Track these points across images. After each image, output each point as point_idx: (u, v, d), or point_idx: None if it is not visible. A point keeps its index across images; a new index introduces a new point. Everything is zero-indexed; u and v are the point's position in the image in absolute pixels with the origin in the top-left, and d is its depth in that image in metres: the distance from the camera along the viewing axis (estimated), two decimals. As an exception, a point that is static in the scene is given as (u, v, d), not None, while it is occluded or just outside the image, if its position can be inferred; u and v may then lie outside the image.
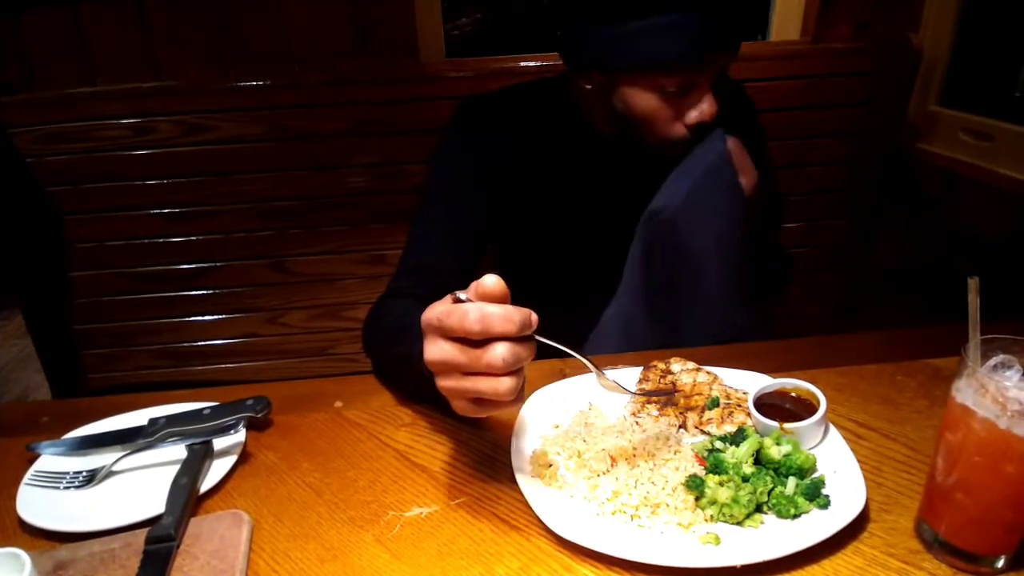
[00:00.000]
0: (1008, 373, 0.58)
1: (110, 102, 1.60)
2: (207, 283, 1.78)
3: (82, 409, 0.89)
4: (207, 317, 1.82)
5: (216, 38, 1.64)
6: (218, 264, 1.77)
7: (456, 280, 0.98)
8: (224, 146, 1.66)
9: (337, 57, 1.68)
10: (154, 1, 1.59)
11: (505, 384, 0.57)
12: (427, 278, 0.97)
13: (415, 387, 0.81)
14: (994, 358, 0.59)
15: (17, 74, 1.60)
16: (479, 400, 0.60)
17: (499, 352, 0.56)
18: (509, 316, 0.56)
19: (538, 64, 1.66)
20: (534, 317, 0.58)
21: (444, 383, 0.61)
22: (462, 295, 0.59)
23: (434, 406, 0.85)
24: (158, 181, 1.68)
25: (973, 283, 0.58)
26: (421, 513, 0.70)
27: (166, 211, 1.71)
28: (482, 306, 0.56)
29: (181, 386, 0.94)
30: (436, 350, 0.59)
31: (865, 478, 0.67)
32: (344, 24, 1.66)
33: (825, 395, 0.74)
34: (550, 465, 0.73)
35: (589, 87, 0.98)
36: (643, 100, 0.94)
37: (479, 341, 0.57)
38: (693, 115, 0.95)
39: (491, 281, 0.57)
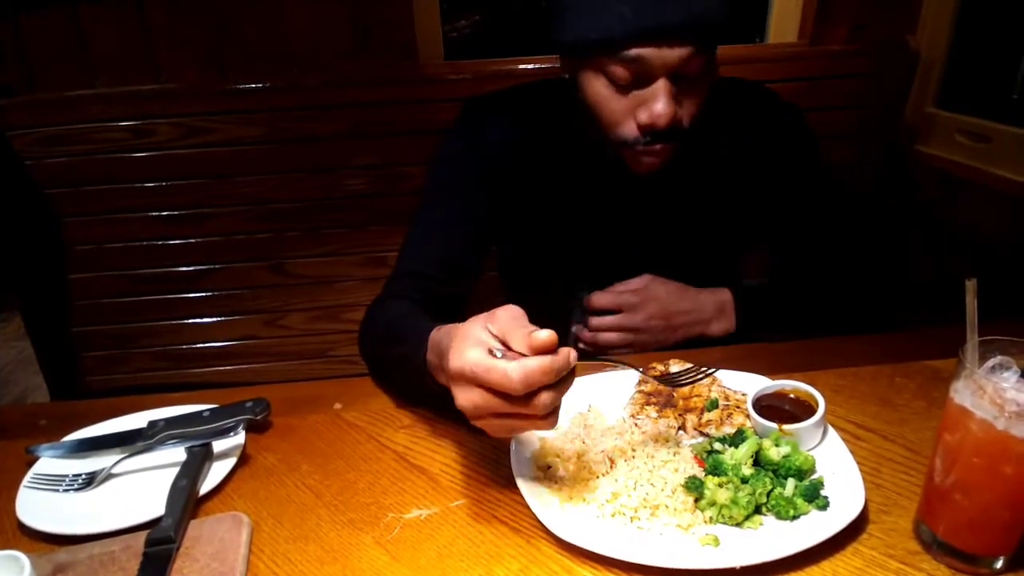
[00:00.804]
0: (1006, 374, 0.58)
1: (110, 104, 1.60)
2: (206, 285, 1.78)
3: (81, 411, 0.90)
4: (206, 319, 1.82)
5: (216, 40, 1.65)
6: (217, 266, 1.77)
7: (454, 284, 0.99)
8: (223, 148, 1.66)
9: (336, 59, 1.69)
10: (154, 3, 1.60)
11: (546, 422, 0.59)
12: (423, 282, 0.97)
13: (414, 389, 0.82)
14: (992, 359, 0.59)
15: (17, 76, 1.60)
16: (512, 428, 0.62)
17: (542, 401, 0.57)
18: (551, 368, 0.56)
19: (537, 67, 1.66)
20: (573, 355, 0.58)
21: (480, 423, 0.61)
22: (496, 347, 0.58)
23: (432, 408, 0.85)
24: (157, 183, 1.68)
25: (971, 285, 0.58)
26: (421, 515, 0.70)
27: (165, 213, 1.71)
28: (524, 364, 0.55)
29: (180, 388, 0.94)
30: (470, 397, 0.59)
31: (864, 479, 0.67)
32: (343, 26, 1.67)
33: (824, 396, 0.74)
34: (549, 467, 0.73)
35: (567, 76, 0.94)
36: (593, 89, 0.88)
37: None
38: (642, 115, 0.86)
39: (544, 336, 0.56)
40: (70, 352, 1.75)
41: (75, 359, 1.76)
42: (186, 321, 1.81)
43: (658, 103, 0.84)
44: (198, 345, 1.83)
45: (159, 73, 1.65)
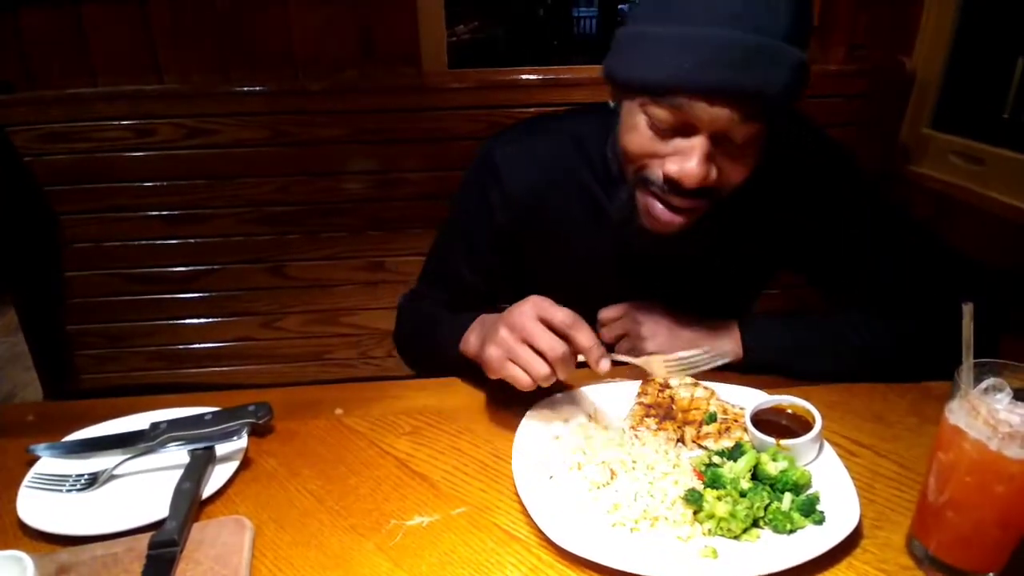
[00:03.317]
0: (999, 396, 0.60)
1: (111, 103, 1.61)
2: (203, 286, 1.79)
3: (81, 411, 0.89)
4: (202, 320, 1.82)
5: (219, 42, 1.66)
6: (215, 267, 1.77)
7: (478, 291, 1.06)
8: (225, 150, 1.67)
9: (340, 65, 1.70)
10: (157, 3, 1.60)
11: (547, 374, 0.77)
12: (450, 286, 1.08)
13: (441, 365, 0.97)
14: (985, 381, 0.61)
15: (17, 73, 1.60)
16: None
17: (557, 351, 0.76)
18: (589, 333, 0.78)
19: (539, 78, 1.68)
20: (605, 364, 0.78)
21: (501, 361, 0.79)
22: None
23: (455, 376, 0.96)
24: (157, 183, 1.68)
25: (967, 309, 0.60)
26: (422, 522, 0.71)
27: (164, 213, 1.71)
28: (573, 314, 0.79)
29: (174, 389, 0.94)
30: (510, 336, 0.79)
31: (858, 494, 0.68)
32: (348, 33, 1.68)
33: (820, 412, 0.75)
34: (551, 476, 0.74)
35: (613, 104, 0.90)
36: (633, 122, 0.84)
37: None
38: (671, 166, 0.81)
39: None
40: (64, 350, 1.74)
41: (69, 357, 1.75)
42: (182, 321, 1.81)
43: (691, 160, 0.79)
44: (193, 346, 1.83)
45: (161, 73, 1.66)
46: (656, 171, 0.84)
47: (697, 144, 0.79)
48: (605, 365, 0.77)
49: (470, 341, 0.89)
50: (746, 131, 0.79)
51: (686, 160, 0.80)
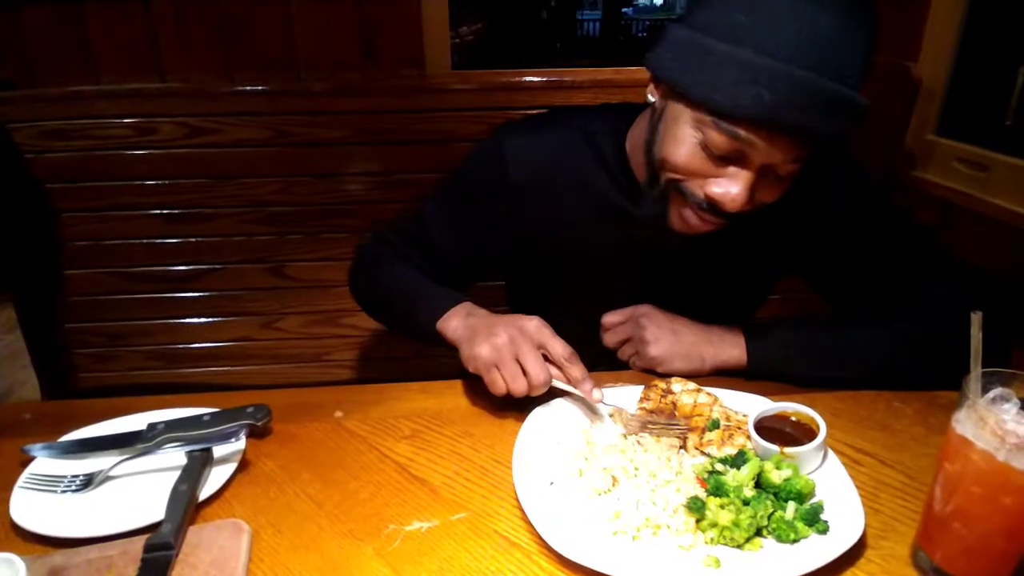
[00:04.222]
0: (1006, 406, 0.59)
1: (113, 101, 1.60)
2: (203, 285, 1.78)
3: (77, 411, 0.89)
4: (201, 320, 1.81)
5: (222, 42, 1.65)
6: (215, 267, 1.76)
7: (455, 266, 1.06)
8: (226, 149, 1.67)
9: (342, 65, 1.69)
10: (160, 1, 1.60)
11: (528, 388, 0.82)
12: (428, 253, 1.07)
13: (408, 329, 1.01)
14: (993, 391, 0.60)
15: (19, 70, 1.60)
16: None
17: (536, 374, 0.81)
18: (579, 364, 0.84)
19: (542, 79, 1.67)
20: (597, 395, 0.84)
21: (487, 369, 0.83)
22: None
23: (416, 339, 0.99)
24: (158, 182, 1.68)
25: (976, 318, 0.59)
26: (422, 528, 0.70)
27: (165, 212, 1.71)
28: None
29: (172, 389, 0.94)
30: (499, 342, 0.82)
31: (863, 504, 0.68)
32: (351, 33, 1.68)
33: (824, 420, 0.75)
34: (552, 483, 0.73)
35: (654, 100, 0.87)
36: (683, 135, 0.81)
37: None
38: (714, 187, 0.81)
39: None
40: (62, 348, 1.74)
41: (67, 355, 1.74)
42: (181, 321, 1.81)
43: (736, 187, 0.80)
44: (193, 345, 1.82)
45: (164, 72, 1.66)
46: (696, 189, 0.83)
47: (745, 175, 0.79)
48: (597, 395, 0.83)
49: (451, 324, 0.90)
50: (791, 168, 0.80)
51: (731, 186, 0.80)
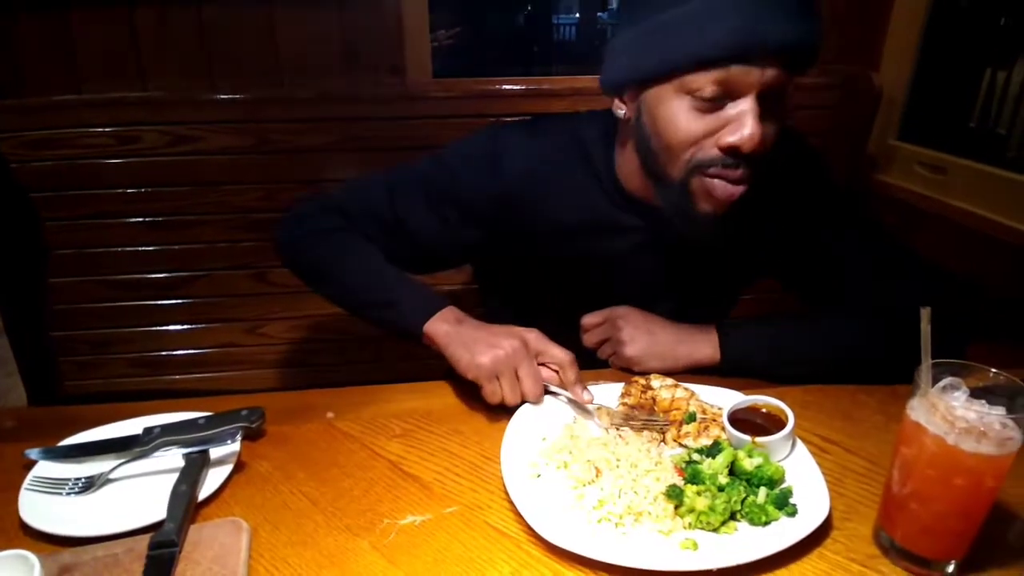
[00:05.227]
0: (956, 394, 0.64)
1: (96, 110, 1.61)
2: (187, 293, 1.79)
3: (67, 417, 0.90)
4: (186, 326, 1.82)
5: (204, 50, 1.66)
6: (199, 274, 1.77)
7: (428, 254, 1.07)
8: (209, 157, 1.68)
9: (324, 73, 1.71)
10: (143, 11, 1.61)
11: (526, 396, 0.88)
12: (399, 240, 1.04)
13: (375, 317, 1.00)
14: (943, 380, 0.65)
15: (5, 79, 1.59)
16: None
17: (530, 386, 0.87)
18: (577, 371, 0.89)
19: (522, 88, 1.71)
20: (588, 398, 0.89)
21: (488, 380, 0.87)
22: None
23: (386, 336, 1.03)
24: (141, 190, 1.69)
25: (925, 312, 0.64)
26: (415, 521, 0.73)
27: (148, 220, 1.71)
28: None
29: (158, 395, 0.95)
30: (498, 354, 0.86)
31: (828, 488, 0.72)
32: (333, 41, 1.70)
33: (793, 411, 0.80)
34: (538, 475, 0.77)
35: (623, 112, 0.92)
36: (671, 112, 0.84)
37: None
38: (729, 136, 0.82)
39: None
40: (48, 356, 1.73)
41: (53, 363, 1.74)
42: (166, 328, 1.81)
43: (747, 125, 0.81)
44: (177, 352, 1.83)
45: (146, 80, 1.66)
46: (710, 151, 0.85)
47: (748, 108, 0.81)
48: (588, 397, 0.88)
49: (442, 328, 0.91)
50: (785, 86, 0.82)
51: (742, 127, 0.81)
